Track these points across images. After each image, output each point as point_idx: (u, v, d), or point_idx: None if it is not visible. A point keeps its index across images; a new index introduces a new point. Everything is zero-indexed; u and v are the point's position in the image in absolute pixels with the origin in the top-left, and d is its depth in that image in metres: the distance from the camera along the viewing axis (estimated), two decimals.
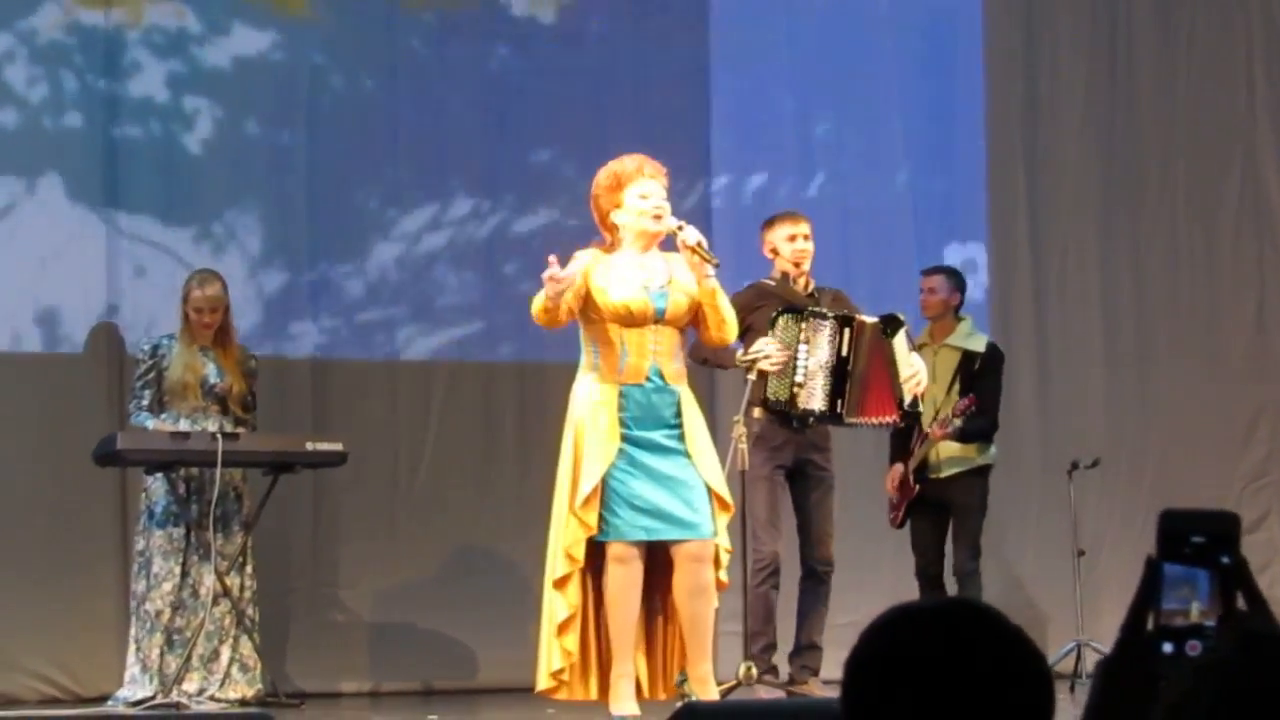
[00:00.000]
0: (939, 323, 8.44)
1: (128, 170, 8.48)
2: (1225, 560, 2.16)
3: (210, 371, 7.77)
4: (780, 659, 7.61)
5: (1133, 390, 9.73)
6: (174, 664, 7.54)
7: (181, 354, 7.74)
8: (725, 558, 6.39)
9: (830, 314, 7.43)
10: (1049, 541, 9.12)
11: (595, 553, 6.31)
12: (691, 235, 6.39)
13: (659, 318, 6.38)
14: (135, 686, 7.57)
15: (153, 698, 7.47)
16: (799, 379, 7.35)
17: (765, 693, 7.12)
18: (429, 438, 8.86)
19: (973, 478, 8.27)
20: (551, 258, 6.18)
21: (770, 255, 7.68)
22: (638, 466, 6.26)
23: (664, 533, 6.27)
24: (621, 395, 6.32)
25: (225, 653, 7.65)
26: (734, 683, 6.98)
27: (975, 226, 9.66)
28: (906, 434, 8.16)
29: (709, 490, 6.31)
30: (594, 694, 6.42)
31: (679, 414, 6.36)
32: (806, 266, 7.64)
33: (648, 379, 6.35)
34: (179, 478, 7.62)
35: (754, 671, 7.06)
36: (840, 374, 7.39)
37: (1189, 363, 9.80)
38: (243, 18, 8.67)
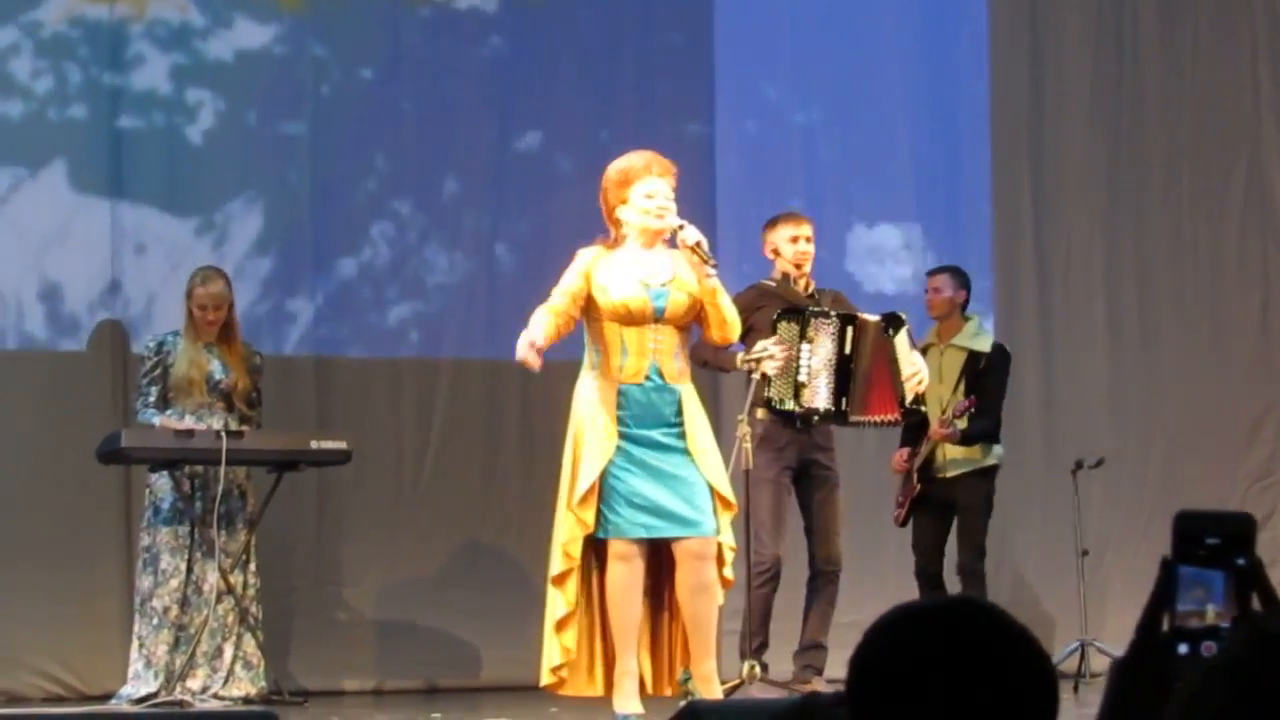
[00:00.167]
0: (945, 322, 8.41)
1: (132, 162, 8.51)
2: (1241, 562, 2.15)
3: (215, 368, 7.77)
4: (783, 658, 7.60)
5: (1137, 390, 9.72)
6: (180, 661, 7.54)
7: (186, 350, 7.74)
8: (729, 555, 6.39)
9: (834, 313, 7.43)
10: (1053, 541, 9.10)
11: (600, 550, 6.33)
12: (691, 235, 6.41)
13: (658, 316, 6.38)
14: (139, 683, 7.56)
15: (156, 694, 7.47)
16: (802, 378, 7.35)
17: (758, 691, 7.11)
18: (432, 436, 8.85)
19: (977, 478, 8.25)
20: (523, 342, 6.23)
21: (771, 256, 7.67)
22: (637, 464, 6.27)
23: (664, 530, 6.28)
24: (620, 394, 6.33)
25: (229, 650, 7.65)
26: (737, 681, 6.98)
27: (979, 226, 9.64)
28: (920, 425, 8.12)
29: (711, 488, 6.31)
30: (600, 690, 6.44)
31: (680, 412, 6.36)
32: (808, 268, 7.64)
33: (647, 378, 6.36)
34: (183, 475, 7.63)
35: (757, 670, 7.06)
36: (844, 372, 7.39)
37: (1194, 362, 9.78)
38: (245, 11, 8.71)
